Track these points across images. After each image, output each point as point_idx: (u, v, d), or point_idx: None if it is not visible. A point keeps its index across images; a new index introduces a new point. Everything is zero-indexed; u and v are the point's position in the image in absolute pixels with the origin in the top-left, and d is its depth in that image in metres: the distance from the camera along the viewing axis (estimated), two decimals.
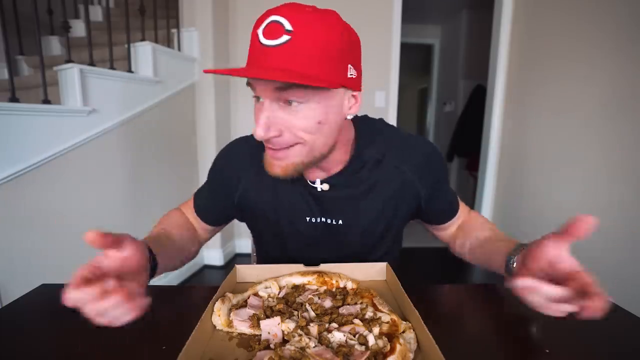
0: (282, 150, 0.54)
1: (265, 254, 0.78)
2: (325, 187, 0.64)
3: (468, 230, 0.71)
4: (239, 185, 0.69)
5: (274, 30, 0.46)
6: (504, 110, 2.44)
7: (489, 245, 0.64)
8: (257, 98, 0.53)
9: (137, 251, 0.44)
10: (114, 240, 0.40)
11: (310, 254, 0.68)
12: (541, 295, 0.40)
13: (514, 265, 0.52)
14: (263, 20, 0.48)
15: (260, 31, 0.48)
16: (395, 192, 0.65)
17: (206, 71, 0.48)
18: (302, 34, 0.46)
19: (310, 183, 0.65)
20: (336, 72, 0.50)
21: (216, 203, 0.73)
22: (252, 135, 0.70)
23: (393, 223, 0.69)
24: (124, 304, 0.36)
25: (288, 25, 0.46)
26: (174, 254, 0.63)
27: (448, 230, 0.76)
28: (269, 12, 0.48)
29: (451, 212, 0.72)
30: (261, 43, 0.47)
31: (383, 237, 0.70)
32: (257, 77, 0.47)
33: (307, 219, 0.67)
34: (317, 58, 0.47)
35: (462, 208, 0.75)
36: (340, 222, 0.66)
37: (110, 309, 0.36)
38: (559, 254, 0.42)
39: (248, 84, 0.52)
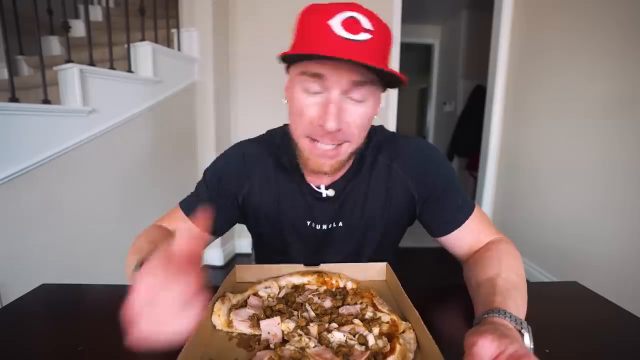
0: (335, 148, 0.55)
1: (264, 255, 0.78)
2: (331, 192, 0.65)
3: (470, 275, 0.58)
4: (245, 184, 0.67)
5: (354, 26, 0.47)
6: (503, 110, 2.44)
7: (475, 294, 0.53)
8: (314, 85, 0.51)
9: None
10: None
11: (309, 256, 0.69)
12: None
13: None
14: (335, 13, 0.47)
15: (335, 22, 0.47)
16: (389, 192, 0.65)
17: (283, 54, 0.48)
18: (378, 34, 0.48)
19: (315, 188, 0.65)
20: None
21: (221, 207, 0.66)
22: (256, 139, 0.71)
23: (390, 223, 0.68)
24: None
25: (367, 24, 0.47)
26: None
27: (457, 249, 0.65)
28: (340, 7, 0.48)
29: (452, 223, 0.63)
30: (339, 35, 0.46)
31: (381, 238, 0.69)
32: (361, 61, 0.44)
33: (308, 223, 0.67)
34: (386, 58, 0.51)
35: (480, 228, 0.63)
36: (341, 224, 0.67)
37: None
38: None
39: (313, 75, 0.50)
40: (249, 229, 0.76)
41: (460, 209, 0.63)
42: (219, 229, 0.68)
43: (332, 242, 0.68)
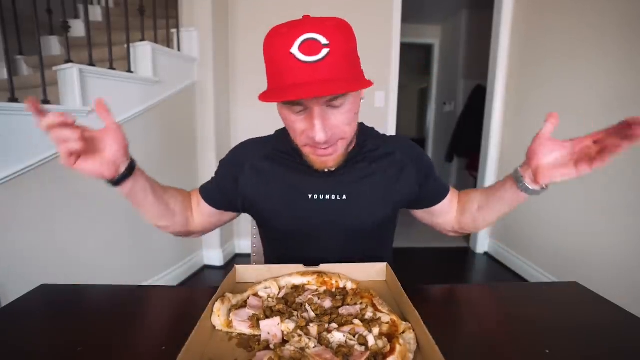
0: (331, 147, 0.60)
1: (271, 240, 0.80)
2: (332, 167, 0.69)
3: (467, 200, 0.76)
4: (245, 168, 0.73)
5: (312, 47, 0.51)
6: (504, 110, 2.44)
7: (492, 190, 0.69)
8: (296, 107, 0.57)
9: (118, 131, 0.58)
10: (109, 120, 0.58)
11: (313, 231, 0.72)
12: (545, 139, 0.63)
13: (521, 175, 0.63)
14: (294, 40, 0.51)
15: (295, 50, 0.50)
16: (394, 176, 0.73)
17: (263, 99, 0.53)
18: (337, 43, 0.52)
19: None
20: (360, 67, 0.58)
21: (222, 185, 0.75)
22: (260, 137, 0.79)
23: (394, 206, 0.74)
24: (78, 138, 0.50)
25: (324, 40, 0.51)
26: (158, 193, 0.69)
27: (449, 215, 0.79)
28: (297, 30, 0.51)
29: (444, 191, 0.78)
30: (301, 61, 0.51)
31: (384, 220, 0.73)
32: (325, 95, 0.49)
33: (310, 195, 0.70)
34: (351, 61, 0.55)
35: (453, 190, 0.80)
36: (345, 197, 0.70)
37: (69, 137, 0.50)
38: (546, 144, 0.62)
39: (292, 103, 0.56)
40: (253, 214, 0.79)
41: (443, 185, 0.78)
42: (219, 203, 0.76)
43: (334, 213, 0.70)
